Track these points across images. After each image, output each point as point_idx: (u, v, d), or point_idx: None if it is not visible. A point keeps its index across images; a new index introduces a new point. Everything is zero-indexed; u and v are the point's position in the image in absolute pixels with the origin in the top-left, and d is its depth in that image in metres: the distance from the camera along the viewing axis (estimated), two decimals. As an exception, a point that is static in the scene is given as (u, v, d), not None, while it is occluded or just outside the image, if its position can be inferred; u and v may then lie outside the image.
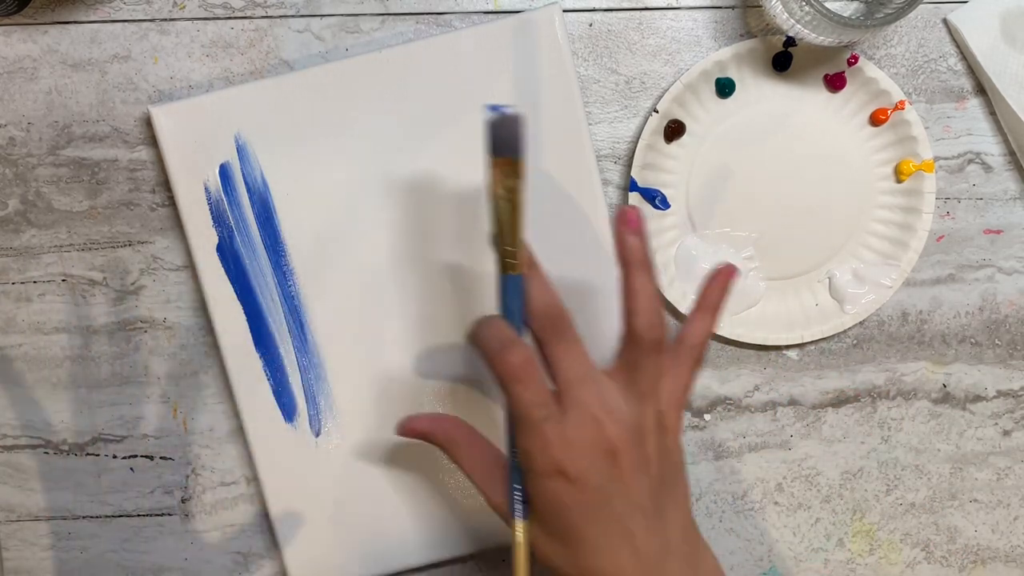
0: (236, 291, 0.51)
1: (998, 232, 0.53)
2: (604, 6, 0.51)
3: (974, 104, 0.52)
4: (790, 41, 0.50)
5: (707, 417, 0.54)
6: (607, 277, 0.51)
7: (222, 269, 0.51)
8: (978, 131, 0.53)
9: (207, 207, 0.50)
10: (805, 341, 0.52)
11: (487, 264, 0.51)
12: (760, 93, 0.51)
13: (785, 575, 0.55)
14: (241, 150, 0.50)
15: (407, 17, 0.51)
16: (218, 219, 0.51)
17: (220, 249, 0.51)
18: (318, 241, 0.51)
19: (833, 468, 0.55)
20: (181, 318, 0.53)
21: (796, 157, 0.51)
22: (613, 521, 0.36)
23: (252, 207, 0.51)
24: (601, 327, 0.51)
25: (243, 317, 0.51)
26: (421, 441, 0.43)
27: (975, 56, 0.51)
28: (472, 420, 0.52)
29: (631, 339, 0.38)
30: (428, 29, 0.51)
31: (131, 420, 0.53)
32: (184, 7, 0.51)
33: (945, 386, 0.54)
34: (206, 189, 0.50)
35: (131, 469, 0.54)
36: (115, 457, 0.54)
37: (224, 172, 0.50)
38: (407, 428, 0.43)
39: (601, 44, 0.51)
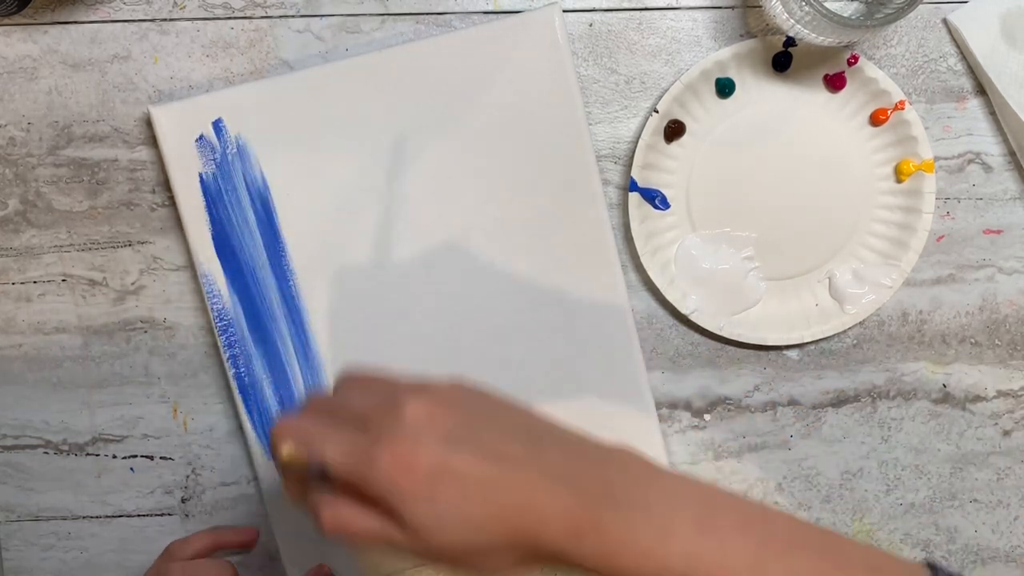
0: (235, 291, 0.51)
1: (998, 232, 0.53)
2: (604, 6, 0.51)
3: (974, 104, 0.52)
4: (790, 41, 0.50)
5: (707, 417, 0.54)
6: (608, 276, 0.51)
7: (221, 267, 0.51)
8: (978, 131, 0.53)
9: (207, 207, 0.50)
10: (805, 341, 0.52)
11: (486, 261, 0.51)
12: (760, 93, 0.51)
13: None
14: (241, 150, 0.50)
15: (407, 17, 0.51)
16: (218, 219, 0.51)
17: (220, 248, 0.51)
18: (318, 241, 0.51)
19: (833, 468, 0.55)
20: (181, 318, 0.53)
21: (796, 157, 0.51)
22: (473, 455, 0.34)
23: (252, 207, 0.51)
24: (602, 327, 0.51)
25: (243, 317, 0.51)
26: None
27: (975, 56, 0.51)
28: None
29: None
30: (428, 29, 0.51)
31: (131, 420, 0.53)
32: (184, 7, 0.51)
33: (945, 386, 0.54)
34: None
35: (131, 469, 0.54)
36: (115, 457, 0.54)
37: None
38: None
39: (601, 44, 0.51)
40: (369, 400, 0.36)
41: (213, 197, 0.50)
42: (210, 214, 0.50)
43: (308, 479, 0.36)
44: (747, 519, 0.35)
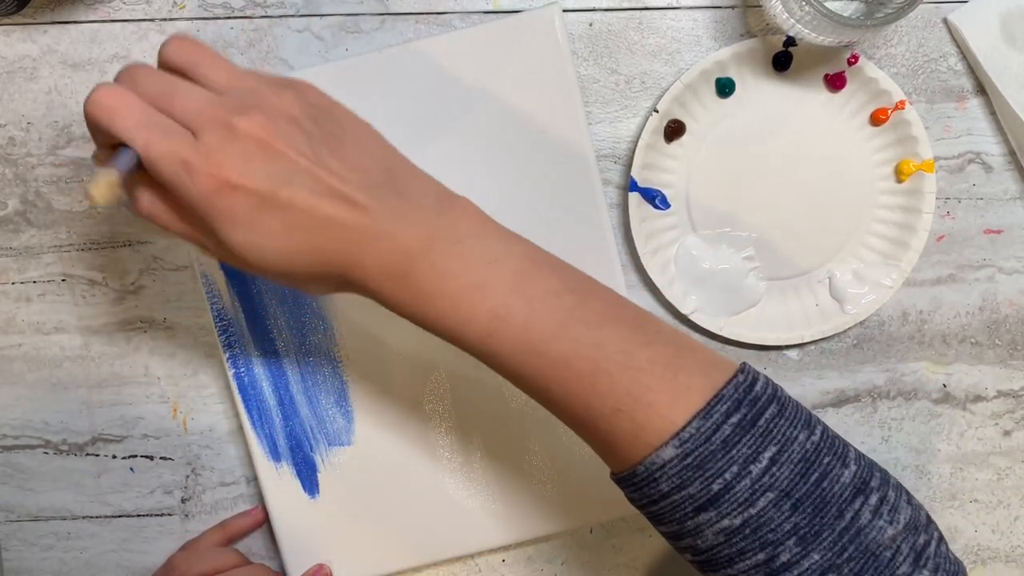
0: (235, 291, 0.51)
1: (998, 232, 0.53)
2: (604, 6, 0.51)
3: (974, 104, 0.52)
4: (790, 41, 0.49)
5: (707, 417, 0.54)
6: (608, 277, 0.51)
7: (221, 269, 0.51)
8: (978, 131, 0.52)
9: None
10: (805, 341, 0.52)
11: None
12: (760, 93, 0.51)
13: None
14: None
15: (407, 17, 0.51)
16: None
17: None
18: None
19: (833, 468, 0.55)
20: (181, 318, 0.53)
21: (796, 157, 0.51)
22: (304, 191, 0.33)
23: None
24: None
25: (243, 317, 0.51)
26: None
27: (975, 56, 0.51)
28: (483, 421, 0.52)
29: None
30: (428, 29, 0.51)
31: (131, 420, 0.53)
32: (184, 7, 0.51)
33: (945, 386, 0.54)
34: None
35: (131, 469, 0.54)
36: (115, 457, 0.54)
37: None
38: None
39: (601, 44, 0.51)
40: (202, 99, 0.34)
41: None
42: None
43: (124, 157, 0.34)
44: (566, 287, 0.36)
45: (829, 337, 0.53)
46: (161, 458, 0.54)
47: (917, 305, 0.54)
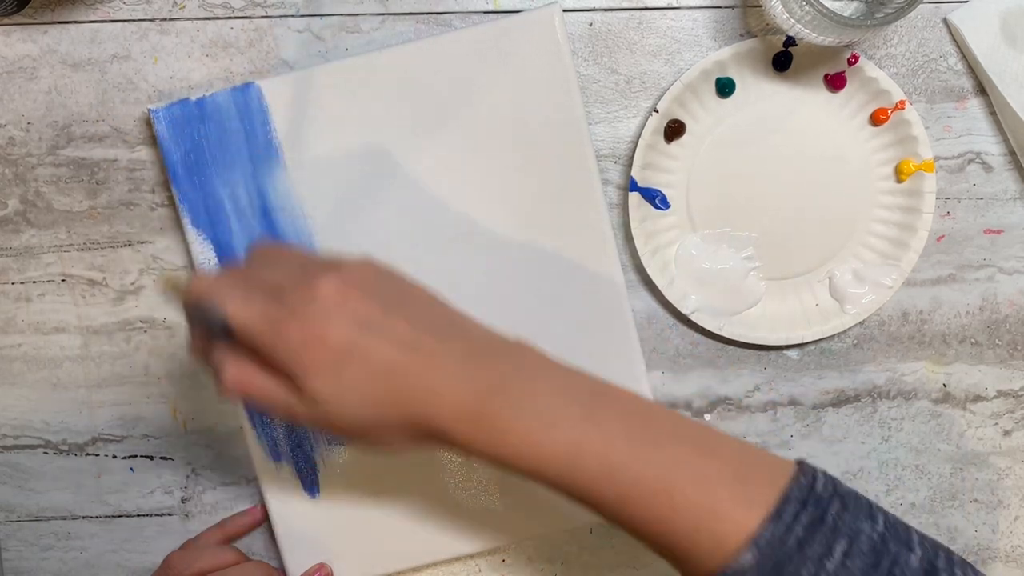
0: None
1: (998, 232, 0.53)
2: (604, 6, 0.51)
3: (974, 104, 0.52)
4: (790, 41, 0.49)
5: (707, 417, 0.54)
6: (608, 277, 0.51)
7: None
8: (978, 131, 0.52)
9: (207, 207, 0.50)
10: (805, 341, 0.52)
11: (486, 261, 0.51)
12: (760, 93, 0.51)
13: None
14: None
15: (407, 17, 0.51)
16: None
17: (219, 249, 0.51)
18: (318, 241, 0.51)
19: (833, 468, 0.55)
20: (181, 318, 0.53)
21: (796, 157, 0.51)
22: (383, 342, 0.36)
23: (250, 205, 0.51)
24: (602, 327, 0.51)
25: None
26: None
27: (975, 56, 0.51)
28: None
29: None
30: (428, 29, 0.51)
31: (131, 420, 0.53)
32: (184, 7, 0.51)
33: (945, 386, 0.54)
34: (206, 189, 0.50)
35: (131, 469, 0.54)
36: (115, 457, 0.54)
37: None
38: None
39: (601, 44, 0.51)
40: (281, 272, 0.37)
41: (213, 197, 0.50)
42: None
43: (213, 337, 0.37)
44: (631, 412, 0.37)
45: (829, 337, 0.53)
46: (161, 458, 0.54)
47: (917, 305, 0.54)
